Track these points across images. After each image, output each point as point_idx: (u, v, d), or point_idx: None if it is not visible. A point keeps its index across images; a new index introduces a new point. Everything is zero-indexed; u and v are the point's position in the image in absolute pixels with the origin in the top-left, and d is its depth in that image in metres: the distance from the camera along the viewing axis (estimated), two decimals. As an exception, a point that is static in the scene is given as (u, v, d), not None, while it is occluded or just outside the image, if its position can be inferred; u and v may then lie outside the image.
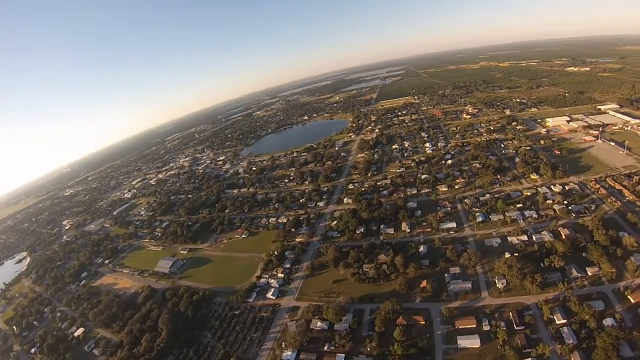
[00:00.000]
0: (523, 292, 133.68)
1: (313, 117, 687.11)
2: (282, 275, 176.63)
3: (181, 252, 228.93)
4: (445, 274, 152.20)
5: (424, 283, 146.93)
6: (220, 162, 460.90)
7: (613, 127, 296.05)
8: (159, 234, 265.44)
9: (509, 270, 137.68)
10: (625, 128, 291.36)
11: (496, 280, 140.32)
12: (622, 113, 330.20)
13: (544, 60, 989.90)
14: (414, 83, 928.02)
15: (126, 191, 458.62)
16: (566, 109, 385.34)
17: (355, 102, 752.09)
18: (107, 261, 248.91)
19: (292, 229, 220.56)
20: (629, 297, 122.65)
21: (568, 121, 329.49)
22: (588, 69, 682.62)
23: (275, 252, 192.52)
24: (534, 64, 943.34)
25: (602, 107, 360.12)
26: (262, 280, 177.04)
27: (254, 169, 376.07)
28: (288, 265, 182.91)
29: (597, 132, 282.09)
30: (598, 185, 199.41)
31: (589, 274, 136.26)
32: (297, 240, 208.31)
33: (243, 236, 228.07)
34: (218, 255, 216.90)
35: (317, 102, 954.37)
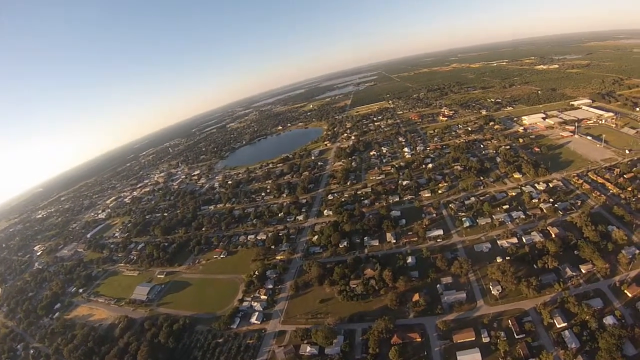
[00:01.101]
0: (519, 297, 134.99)
1: (287, 127, 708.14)
2: (266, 297, 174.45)
3: (158, 276, 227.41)
4: (437, 285, 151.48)
5: (416, 296, 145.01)
6: (195, 177, 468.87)
7: (588, 122, 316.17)
8: (135, 257, 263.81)
9: (503, 275, 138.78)
10: (600, 122, 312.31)
11: (491, 287, 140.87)
12: (595, 107, 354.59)
13: (513, 59, 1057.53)
14: (387, 88, 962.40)
15: (100, 211, 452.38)
16: (540, 106, 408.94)
17: (329, 109, 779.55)
18: (81, 290, 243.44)
19: (272, 246, 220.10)
20: (625, 291, 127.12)
21: (544, 118, 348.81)
22: (557, 66, 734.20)
23: (256, 272, 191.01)
24: (504, 63, 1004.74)
25: (575, 103, 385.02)
26: (245, 303, 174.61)
27: (229, 182, 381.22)
28: (270, 286, 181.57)
29: (573, 128, 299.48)
30: (581, 181, 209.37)
31: (583, 271, 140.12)
32: (278, 258, 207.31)
33: (222, 256, 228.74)
34: (197, 278, 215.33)
35: (291, 111, 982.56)
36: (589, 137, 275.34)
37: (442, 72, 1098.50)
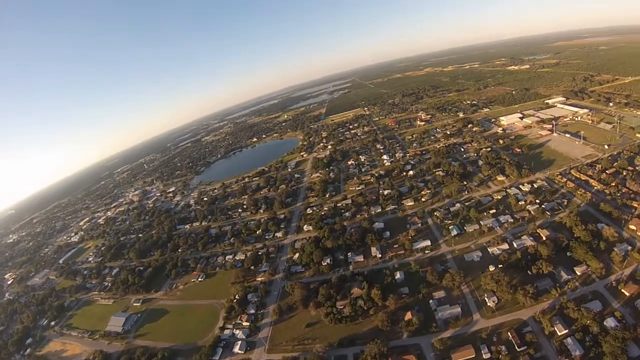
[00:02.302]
0: (517, 306, 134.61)
1: (262, 138, 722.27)
2: (248, 324, 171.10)
3: (134, 304, 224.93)
4: (430, 301, 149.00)
5: (408, 315, 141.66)
6: (171, 194, 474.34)
7: (564, 119, 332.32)
8: (109, 284, 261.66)
9: (498, 285, 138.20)
10: (576, 119, 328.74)
11: (486, 299, 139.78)
12: (569, 105, 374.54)
13: (484, 61, 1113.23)
14: (362, 94, 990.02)
15: (73, 234, 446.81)
16: (516, 106, 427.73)
17: (304, 119, 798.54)
18: (53, 322, 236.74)
19: (252, 267, 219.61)
20: (622, 290, 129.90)
21: (521, 118, 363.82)
22: (527, 66, 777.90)
23: (237, 297, 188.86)
24: (476, 65, 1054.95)
25: (550, 101, 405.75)
26: (226, 331, 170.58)
27: (205, 199, 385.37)
28: (252, 311, 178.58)
29: (551, 126, 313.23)
30: (565, 179, 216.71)
31: (578, 273, 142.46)
32: (259, 279, 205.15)
33: (199, 279, 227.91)
34: (174, 305, 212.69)
35: (266, 122, 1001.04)
36: (567, 135, 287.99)
37: (416, 77, 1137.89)
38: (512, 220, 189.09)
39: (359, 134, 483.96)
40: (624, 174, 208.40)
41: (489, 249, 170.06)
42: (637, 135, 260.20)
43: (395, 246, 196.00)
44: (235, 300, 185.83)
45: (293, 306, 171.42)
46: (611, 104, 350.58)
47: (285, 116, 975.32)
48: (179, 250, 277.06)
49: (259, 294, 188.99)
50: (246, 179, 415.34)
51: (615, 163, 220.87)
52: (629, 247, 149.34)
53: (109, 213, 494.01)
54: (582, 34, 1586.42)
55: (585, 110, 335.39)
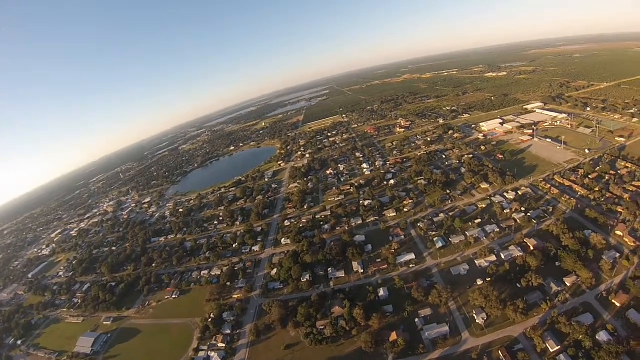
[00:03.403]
0: (507, 322, 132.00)
1: (240, 147, 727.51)
2: (224, 345, 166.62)
3: (104, 323, 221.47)
4: (416, 319, 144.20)
5: (393, 335, 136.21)
6: (146, 205, 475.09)
7: (544, 124, 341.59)
8: (79, 301, 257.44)
9: (487, 300, 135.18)
10: (555, 124, 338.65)
11: (475, 315, 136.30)
12: (548, 110, 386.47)
13: (463, 68, 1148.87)
14: (340, 101, 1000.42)
15: (44, 246, 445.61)
16: (496, 111, 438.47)
17: (282, 126, 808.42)
18: (19, 342, 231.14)
19: (228, 283, 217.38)
20: (613, 301, 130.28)
21: (501, 123, 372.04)
22: (505, 73, 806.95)
23: (212, 315, 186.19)
24: (454, 72, 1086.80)
25: (529, 107, 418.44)
26: (201, 353, 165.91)
27: (180, 210, 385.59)
28: (228, 331, 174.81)
29: (532, 131, 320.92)
30: (548, 185, 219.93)
31: (568, 284, 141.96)
32: (235, 297, 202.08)
33: (174, 296, 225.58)
34: (147, 324, 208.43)
35: (243, 130, 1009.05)
36: (548, 140, 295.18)
37: (395, 84, 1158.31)
38: (498, 229, 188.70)
39: (337, 142, 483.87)
40: (607, 178, 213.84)
41: (476, 261, 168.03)
42: (617, 138, 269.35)
43: (377, 260, 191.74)
44: (210, 320, 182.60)
45: (271, 326, 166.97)
46: (589, 109, 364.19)
47: (263, 124, 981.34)
48: (153, 264, 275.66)
49: (235, 313, 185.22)
50: (223, 190, 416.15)
51: (597, 167, 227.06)
52: (617, 254, 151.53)
53: (82, 225, 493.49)
54: (557, 43, 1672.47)
55: (564, 115, 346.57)
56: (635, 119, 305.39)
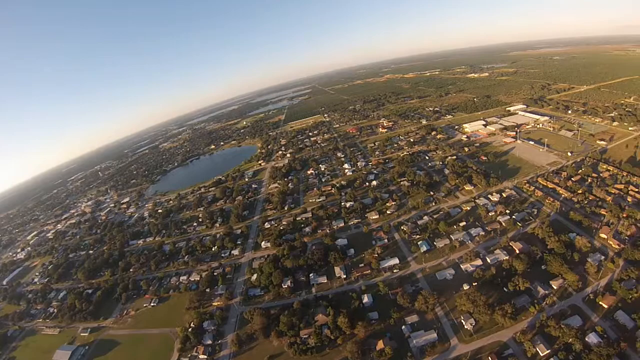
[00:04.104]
0: (496, 327, 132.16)
1: (220, 146, 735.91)
2: (205, 356, 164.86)
3: (82, 334, 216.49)
4: (403, 327, 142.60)
5: (380, 344, 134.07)
6: (125, 205, 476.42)
7: (526, 127, 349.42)
8: (55, 310, 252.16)
9: (474, 306, 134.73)
10: (537, 126, 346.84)
11: (463, 321, 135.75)
12: (530, 112, 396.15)
13: (445, 69, 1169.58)
14: (322, 100, 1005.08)
15: (19, 250, 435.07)
16: (479, 113, 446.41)
17: (263, 125, 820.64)
18: None
19: (207, 289, 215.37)
20: (601, 303, 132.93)
21: (484, 125, 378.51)
22: (487, 74, 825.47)
23: (192, 325, 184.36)
24: (436, 73, 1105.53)
25: (511, 109, 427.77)
26: None
27: (159, 211, 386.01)
28: (209, 341, 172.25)
29: (515, 133, 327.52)
30: (532, 187, 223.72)
31: (555, 287, 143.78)
32: (215, 304, 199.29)
33: (152, 304, 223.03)
34: (125, 334, 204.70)
35: (224, 128, 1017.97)
36: (531, 142, 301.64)
37: (377, 83, 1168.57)
38: (483, 233, 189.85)
39: (319, 142, 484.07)
40: (589, 181, 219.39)
41: (461, 266, 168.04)
42: (598, 142, 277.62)
43: (360, 265, 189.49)
44: (190, 329, 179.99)
45: (253, 336, 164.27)
46: (570, 112, 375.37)
47: (245, 123, 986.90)
48: (131, 269, 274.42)
49: (215, 322, 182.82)
50: (202, 189, 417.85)
51: (580, 170, 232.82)
52: (602, 257, 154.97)
53: (59, 226, 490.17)
54: (537, 45, 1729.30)
55: (546, 118, 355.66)
56: (615, 123, 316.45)
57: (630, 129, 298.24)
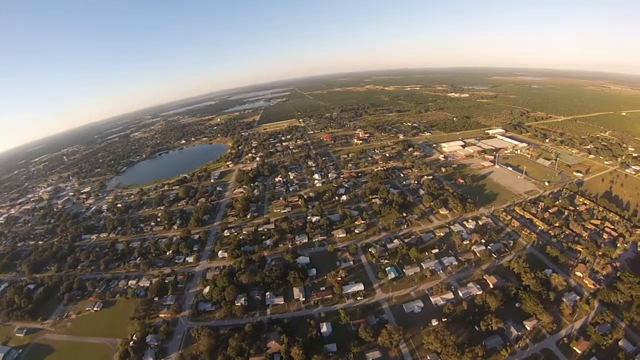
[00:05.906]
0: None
1: (191, 141, 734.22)
2: None
3: (17, 334, 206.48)
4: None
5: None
6: (84, 196, 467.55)
7: (505, 152, 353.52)
8: None
9: (442, 345, 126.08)
10: (516, 152, 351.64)
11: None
12: (509, 137, 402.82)
13: (426, 85, 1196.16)
14: (299, 104, 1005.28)
15: None
16: (458, 133, 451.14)
17: (236, 124, 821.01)
18: None
19: (156, 298, 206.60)
20: (574, 348, 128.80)
21: (463, 146, 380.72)
22: (467, 95, 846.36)
23: (134, 337, 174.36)
24: (417, 88, 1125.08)
25: (490, 132, 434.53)
26: None
27: (119, 206, 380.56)
28: (150, 359, 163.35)
29: (493, 157, 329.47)
30: (509, 217, 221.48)
31: (529, 328, 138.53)
32: (162, 316, 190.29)
33: (95, 308, 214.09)
34: (62, 340, 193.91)
35: (198, 123, 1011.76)
36: (509, 168, 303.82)
37: (357, 93, 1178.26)
38: (456, 263, 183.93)
39: (290, 147, 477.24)
40: (566, 213, 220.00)
41: (431, 298, 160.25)
42: (574, 173, 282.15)
43: (322, 288, 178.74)
44: (132, 343, 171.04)
45: (198, 358, 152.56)
46: (547, 140, 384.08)
47: (218, 119, 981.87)
48: (79, 267, 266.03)
49: (160, 337, 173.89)
50: (166, 187, 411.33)
51: (557, 202, 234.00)
52: (577, 297, 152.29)
53: (12, 211, 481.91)
54: (516, 72, 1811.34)
55: (525, 145, 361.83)
56: (591, 155, 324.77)
57: (606, 162, 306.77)
